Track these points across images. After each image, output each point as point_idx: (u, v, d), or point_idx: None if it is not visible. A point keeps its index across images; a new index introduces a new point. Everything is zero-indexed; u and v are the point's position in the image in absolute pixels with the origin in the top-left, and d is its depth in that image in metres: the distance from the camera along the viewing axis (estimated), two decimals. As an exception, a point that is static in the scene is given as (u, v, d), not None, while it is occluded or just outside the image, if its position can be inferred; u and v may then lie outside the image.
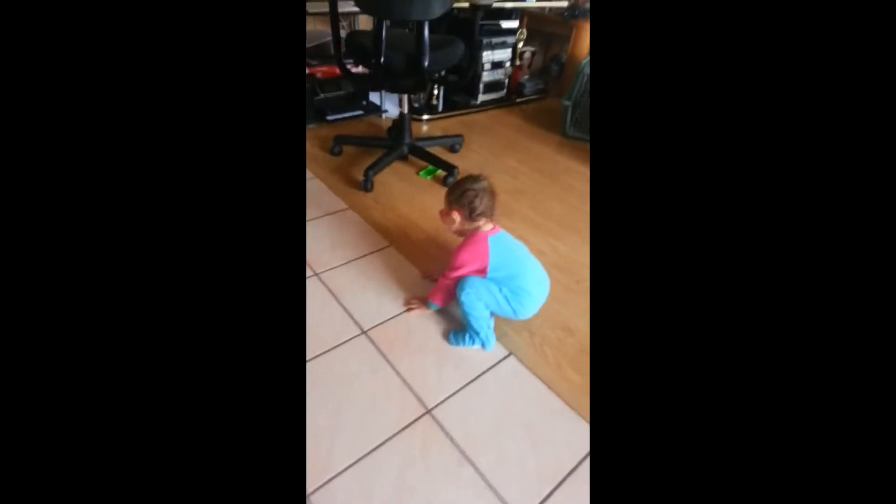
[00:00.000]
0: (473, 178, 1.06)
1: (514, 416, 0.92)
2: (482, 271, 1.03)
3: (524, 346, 1.08)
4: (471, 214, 1.04)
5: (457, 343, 1.05)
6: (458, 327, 1.08)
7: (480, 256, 1.03)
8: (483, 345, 1.05)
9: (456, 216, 1.06)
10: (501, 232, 1.08)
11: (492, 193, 1.05)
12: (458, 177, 1.73)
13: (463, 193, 1.03)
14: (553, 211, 1.63)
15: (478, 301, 1.01)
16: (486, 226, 1.07)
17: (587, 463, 0.85)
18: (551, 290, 1.11)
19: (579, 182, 1.85)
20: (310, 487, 0.77)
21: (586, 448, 0.87)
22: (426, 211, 1.56)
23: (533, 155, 2.06)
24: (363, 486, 0.78)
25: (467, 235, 1.07)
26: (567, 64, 2.77)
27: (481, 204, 1.03)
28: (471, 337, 1.05)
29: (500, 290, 1.01)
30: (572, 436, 0.89)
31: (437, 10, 1.49)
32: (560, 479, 0.82)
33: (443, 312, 1.14)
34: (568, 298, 1.23)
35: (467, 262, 1.04)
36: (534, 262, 1.08)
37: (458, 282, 1.03)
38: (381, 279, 1.24)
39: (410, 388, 0.95)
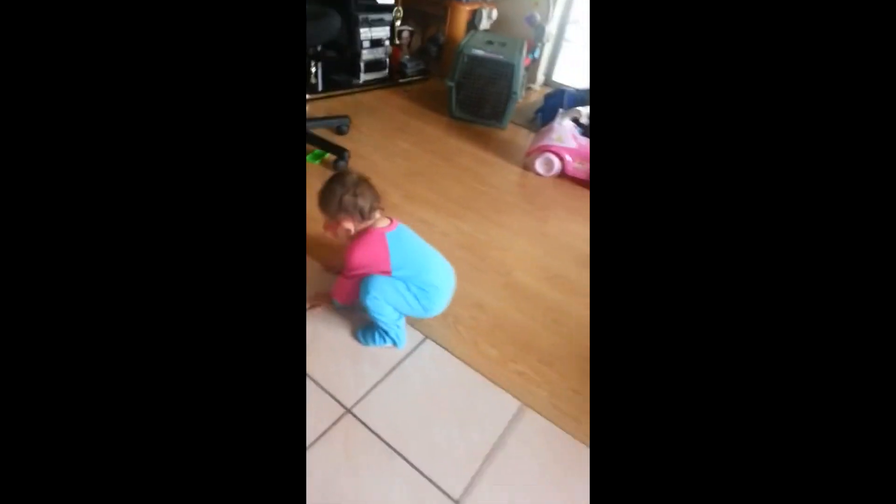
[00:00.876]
0: (339, 178, 0.97)
1: (437, 400, 0.92)
2: (385, 272, 0.96)
3: (438, 327, 1.07)
4: (363, 215, 0.95)
5: (367, 342, 1.00)
6: (366, 324, 1.03)
7: (380, 257, 0.96)
8: (395, 343, 1.00)
9: (349, 224, 0.96)
10: (399, 226, 1.01)
11: (368, 183, 0.97)
12: (349, 160, 1.66)
13: (342, 199, 0.94)
14: (452, 192, 1.65)
15: (385, 305, 0.95)
16: (381, 221, 0.99)
17: (513, 432, 0.88)
18: (460, 269, 1.12)
19: (472, 162, 1.90)
20: None
21: (509, 417, 0.91)
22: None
23: (424, 136, 2.05)
24: None
25: (360, 234, 0.98)
26: (445, 45, 2.80)
27: (366, 199, 0.95)
28: (381, 336, 1.00)
29: (409, 288, 0.96)
30: (495, 408, 0.92)
31: (309, -22, 1.37)
32: (488, 452, 0.84)
33: (350, 307, 1.08)
34: (476, 276, 1.26)
35: (364, 264, 0.96)
36: (437, 256, 1.04)
37: (362, 282, 0.95)
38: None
39: (326, 391, 0.89)
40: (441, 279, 1.01)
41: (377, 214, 0.98)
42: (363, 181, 0.97)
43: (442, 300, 1.02)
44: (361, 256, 0.96)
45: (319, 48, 1.82)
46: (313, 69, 2.14)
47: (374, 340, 1.00)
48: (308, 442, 0.79)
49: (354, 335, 1.01)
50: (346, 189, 0.94)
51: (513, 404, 0.93)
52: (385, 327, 0.97)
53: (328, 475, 0.76)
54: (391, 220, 1.01)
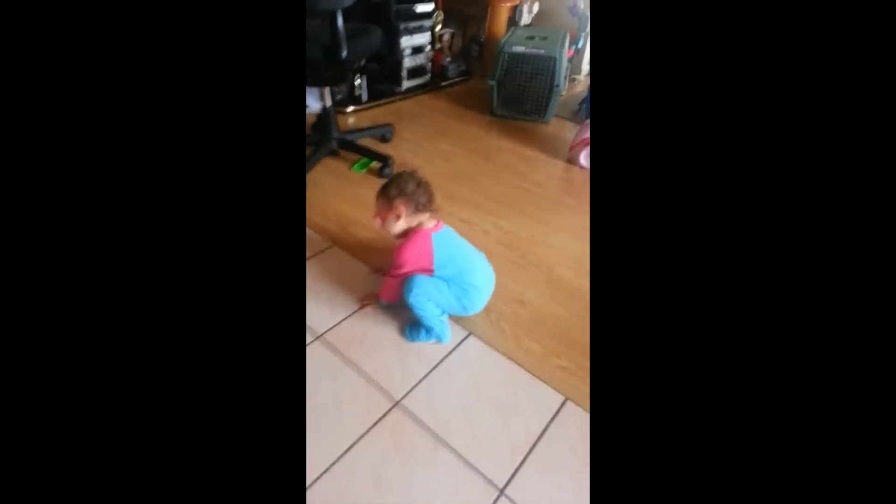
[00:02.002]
0: (406, 172, 1.03)
1: (480, 393, 0.95)
2: (428, 271, 1.02)
3: (481, 323, 1.11)
4: (416, 207, 1.01)
5: (412, 338, 1.06)
6: (412, 321, 1.09)
7: (425, 255, 1.01)
8: (439, 338, 1.05)
9: (401, 209, 1.00)
10: (445, 228, 1.06)
11: (427, 185, 1.04)
12: (393, 167, 1.74)
13: (404, 185, 1.00)
14: (492, 190, 1.67)
15: (427, 301, 1.00)
16: (428, 222, 1.04)
17: (554, 426, 0.90)
18: (500, 266, 1.15)
19: (513, 159, 1.91)
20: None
21: (552, 410, 0.92)
22: (365, 204, 1.54)
23: (465, 137, 2.09)
24: (340, 490, 0.78)
25: (409, 234, 1.04)
26: (486, 43, 2.81)
27: (423, 195, 1.01)
28: (426, 332, 1.05)
29: (450, 287, 1.01)
30: (537, 403, 0.94)
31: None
32: (531, 445, 0.86)
33: (398, 307, 1.14)
34: (516, 273, 1.28)
35: (410, 260, 1.01)
36: (479, 256, 1.10)
37: (405, 281, 1.01)
38: (330, 281, 1.22)
39: (376, 384, 0.95)
40: (482, 280, 1.05)
41: (427, 215, 1.04)
42: (425, 182, 1.04)
43: (481, 301, 1.06)
44: (407, 252, 1.01)
45: (363, 62, 1.92)
46: (357, 82, 2.25)
47: (419, 336, 1.05)
48: (359, 433, 0.86)
49: (401, 332, 1.08)
50: (411, 179, 1.02)
51: (555, 398, 0.95)
52: (429, 323, 1.03)
53: (378, 463, 0.82)
54: (437, 222, 1.06)
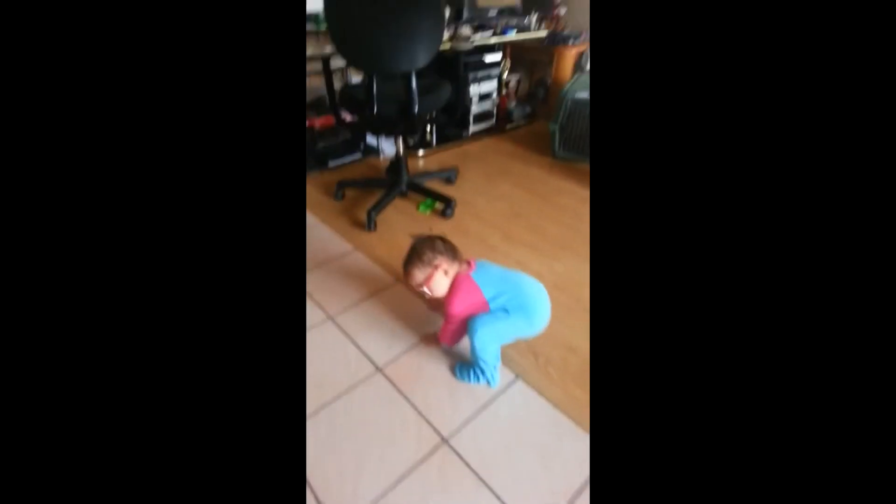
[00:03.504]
0: (418, 239, 1.10)
1: (524, 438, 0.96)
2: (484, 307, 1.05)
3: (529, 368, 1.12)
4: (453, 257, 1.07)
5: (462, 378, 1.09)
6: (464, 360, 1.13)
7: (473, 295, 1.04)
8: (488, 382, 1.07)
9: (443, 264, 1.06)
10: (478, 262, 1.10)
11: (447, 239, 1.10)
12: (455, 208, 1.82)
13: (432, 246, 1.07)
14: (549, 231, 1.69)
15: (491, 344, 1.03)
16: (462, 266, 1.09)
17: (597, 478, 0.88)
18: (553, 310, 1.15)
19: (572, 201, 1.91)
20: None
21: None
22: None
23: (526, 178, 2.13)
24: (389, 518, 0.83)
25: (451, 286, 1.07)
26: (551, 87, 2.86)
27: (451, 247, 1.08)
28: (475, 374, 1.07)
29: (509, 311, 1.02)
30: (581, 452, 0.93)
31: (422, 61, 1.59)
32: (571, 494, 0.85)
33: (454, 346, 1.19)
34: (569, 318, 1.28)
35: (460, 306, 1.05)
36: (523, 275, 1.11)
37: (469, 322, 1.04)
38: (392, 316, 1.30)
39: (426, 420, 1.00)
40: (535, 291, 1.07)
41: (459, 263, 1.09)
42: (438, 238, 1.10)
43: (543, 311, 1.06)
44: (459, 303, 1.05)
45: (434, 113, 2.06)
46: (428, 128, 2.40)
47: (468, 377, 1.08)
48: (410, 465, 0.91)
49: (452, 370, 1.12)
50: (431, 241, 1.08)
51: (600, 451, 0.93)
52: (483, 366, 1.05)
53: (425, 496, 0.86)
54: (469, 263, 1.10)
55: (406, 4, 1.52)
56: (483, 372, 1.06)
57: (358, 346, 1.20)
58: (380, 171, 2.28)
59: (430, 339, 1.20)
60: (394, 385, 1.09)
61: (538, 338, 1.18)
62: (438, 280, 1.07)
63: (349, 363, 1.15)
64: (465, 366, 1.10)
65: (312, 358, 1.16)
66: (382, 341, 1.21)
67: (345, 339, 1.23)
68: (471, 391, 1.07)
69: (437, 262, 1.06)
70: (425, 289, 1.08)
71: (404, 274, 1.10)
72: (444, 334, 1.13)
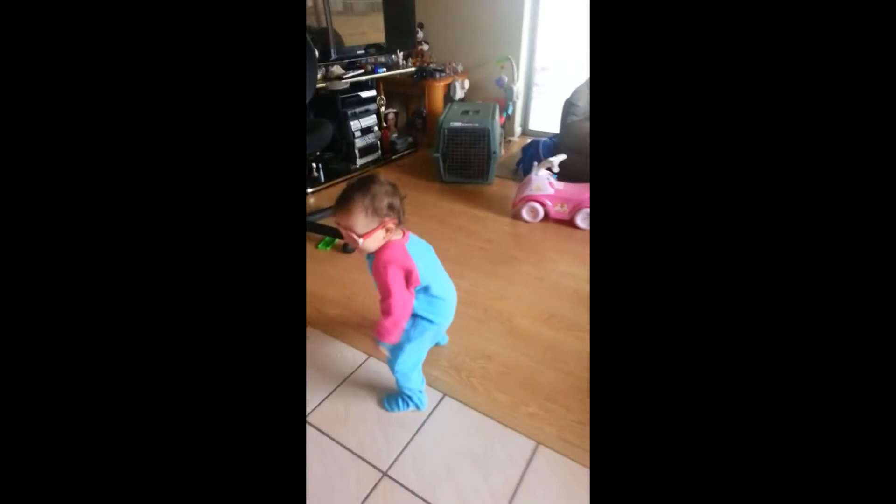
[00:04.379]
0: (375, 178, 0.88)
1: (459, 450, 0.99)
2: (414, 281, 0.91)
3: (454, 383, 1.16)
4: (399, 219, 0.89)
5: (391, 408, 1.08)
6: (390, 392, 1.12)
7: (411, 272, 0.90)
8: (417, 406, 1.08)
9: (391, 224, 0.88)
10: (411, 236, 0.96)
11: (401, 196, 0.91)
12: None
13: (392, 198, 0.87)
14: (449, 252, 1.78)
15: (413, 371, 1.02)
16: (396, 234, 0.92)
17: (531, 471, 0.95)
18: (465, 325, 1.22)
19: (465, 220, 2.04)
20: None
21: (526, 457, 0.98)
22: (334, 281, 1.60)
23: (419, 204, 2.21)
24: (341, 572, 0.79)
25: (380, 252, 0.90)
26: (427, 117, 3.03)
27: (402, 207, 0.90)
28: (404, 401, 1.08)
29: (430, 324, 0.97)
30: (512, 450, 0.99)
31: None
32: (511, 493, 0.91)
33: (375, 379, 1.18)
34: (480, 329, 1.36)
35: (396, 280, 0.89)
36: (440, 265, 1.03)
37: (390, 350, 0.99)
38: (309, 362, 1.24)
39: (362, 458, 0.97)
40: (447, 290, 1.03)
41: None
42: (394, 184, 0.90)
43: (450, 312, 1.04)
44: (396, 277, 0.89)
45: (318, 153, 2.03)
46: (315, 166, 2.36)
47: (398, 406, 1.08)
48: (353, 508, 0.88)
49: (380, 403, 1.11)
50: (391, 190, 0.88)
51: (528, 445, 1.00)
52: (409, 393, 1.06)
53: (374, 536, 0.83)
54: (404, 231, 0.95)
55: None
56: (410, 398, 1.07)
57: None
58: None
59: (375, 350, 1.05)
60: (323, 432, 1.04)
61: (458, 352, 1.24)
62: (377, 237, 0.88)
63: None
64: (392, 396, 1.10)
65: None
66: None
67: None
68: (401, 419, 1.07)
69: (388, 218, 0.88)
70: (356, 238, 0.87)
71: (343, 209, 0.86)
72: (383, 329, 0.92)
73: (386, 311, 0.91)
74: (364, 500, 0.89)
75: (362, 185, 0.87)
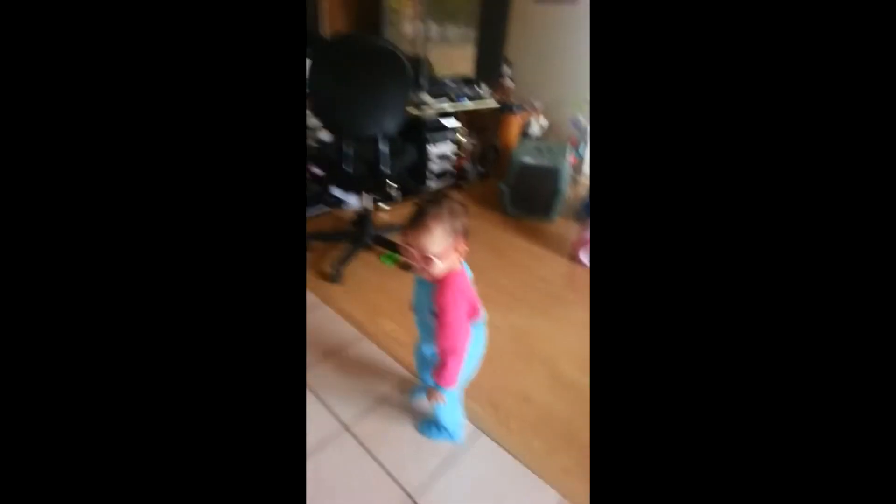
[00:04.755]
0: (446, 195, 0.82)
1: (489, 492, 1.00)
2: (474, 314, 0.87)
3: (490, 421, 1.17)
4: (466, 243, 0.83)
5: (427, 434, 1.11)
6: (428, 418, 1.14)
7: (470, 293, 0.86)
8: (451, 437, 1.09)
9: (461, 246, 0.82)
10: (464, 263, 0.88)
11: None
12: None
13: (464, 220, 0.81)
14: (505, 286, 1.80)
15: (454, 412, 1.03)
16: (457, 262, 0.84)
17: (554, 526, 0.93)
18: (509, 363, 1.22)
19: (525, 257, 2.05)
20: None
21: (552, 512, 0.96)
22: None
23: (482, 233, 2.26)
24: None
25: (447, 280, 0.81)
26: (501, 150, 3.10)
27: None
28: (439, 430, 1.09)
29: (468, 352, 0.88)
30: (536, 501, 0.98)
31: (391, 128, 1.71)
32: (533, 545, 0.90)
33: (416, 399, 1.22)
34: (524, 369, 1.36)
35: (458, 315, 0.82)
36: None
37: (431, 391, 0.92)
38: (357, 372, 1.31)
39: (393, 478, 1.01)
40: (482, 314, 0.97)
41: None
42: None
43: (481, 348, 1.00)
44: (457, 308, 0.81)
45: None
46: (394, 186, 2.50)
47: (434, 433, 1.11)
48: (379, 523, 0.92)
49: (416, 426, 1.14)
50: (463, 210, 0.82)
51: (554, 498, 0.99)
52: (447, 426, 1.07)
53: (394, 555, 0.86)
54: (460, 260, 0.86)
55: (376, 77, 1.65)
56: (447, 429, 1.09)
57: (324, 403, 1.20)
58: (344, 222, 2.32)
59: (433, 394, 0.92)
60: (361, 444, 1.09)
61: (496, 389, 1.25)
62: (450, 259, 0.80)
63: (316, 420, 1.14)
64: (429, 422, 1.13)
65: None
66: (350, 398, 1.22)
67: (310, 395, 1.22)
68: (436, 447, 1.10)
69: (458, 242, 0.80)
70: (431, 257, 0.77)
71: (420, 225, 0.77)
72: (450, 374, 0.84)
73: (450, 350, 0.83)
74: (390, 518, 0.93)
75: (439, 203, 0.79)
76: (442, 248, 0.78)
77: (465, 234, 0.83)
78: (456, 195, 2.59)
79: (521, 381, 1.31)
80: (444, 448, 1.09)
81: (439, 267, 0.79)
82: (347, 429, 1.13)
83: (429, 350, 0.96)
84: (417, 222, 0.78)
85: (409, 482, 1.00)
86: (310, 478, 0.99)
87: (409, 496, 0.98)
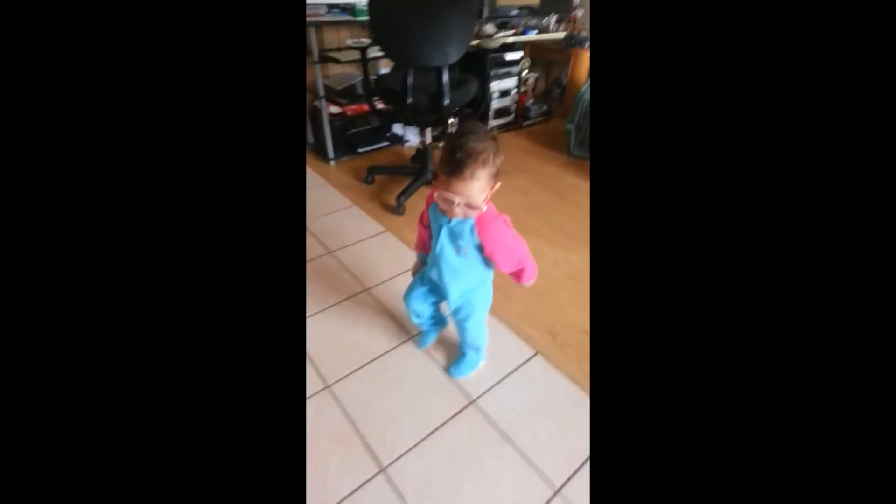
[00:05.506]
0: (478, 127, 0.75)
1: (544, 406, 1.05)
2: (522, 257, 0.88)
3: (547, 346, 1.21)
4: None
5: (462, 374, 1.09)
6: (454, 359, 1.13)
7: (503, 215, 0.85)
8: (478, 360, 1.10)
9: (497, 185, 0.77)
10: None
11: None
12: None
13: (497, 156, 0.73)
14: (564, 226, 1.76)
15: (482, 328, 1.02)
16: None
17: (608, 442, 0.97)
18: (567, 298, 1.22)
19: (586, 199, 1.98)
20: (385, 462, 0.91)
21: (606, 430, 0.99)
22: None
23: (542, 174, 2.19)
24: (425, 463, 0.92)
25: (485, 216, 0.79)
26: (567, 87, 2.91)
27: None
28: (469, 363, 1.09)
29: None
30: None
31: (454, 57, 1.65)
32: (586, 457, 0.94)
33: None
34: (581, 304, 1.36)
35: (510, 231, 0.84)
36: None
37: (461, 308, 0.97)
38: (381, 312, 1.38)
39: (455, 383, 1.09)
40: None
41: None
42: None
43: None
44: (507, 228, 0.83)
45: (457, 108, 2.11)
46: (451, 121, 2.45)
47: (468, 370, 1.10)
48: (443, 420, 1.00)
49: (447, 372, 1.12)
50: (497, 146, 0.74)
51: (610, 420, 1.02)
52: (480, 346, 1.06)
53: (454, 449, 0.95)
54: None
55: (441, 3, 1.58)
56: (479, 348, 1.08)
57: (392, 317, 1.28)
58: (404, 158, 2.34)
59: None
60: (425, 352, 1.17)
61: (556, 321, 1.27)
62: (484, 199, 0.76)
63: (385, 331, 1.23)
64: (458, 362, 1.10)
65: (358, 326, 1.25)
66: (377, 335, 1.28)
67: (382, 308, 1.31)
68: (495, 361, 1.15)
69: (495, 182, 0.76)
70: (466, 206, 0.74)
71: (462, 175, 0.70)
72: (526, 272, 0.89)
73: (524, 259, 0.87)
74: (449, 419, 1.01)
75: (477, 143, 0.70)
76: (486, 194, 0.75)
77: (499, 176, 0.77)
78: (513, 139, 2.53)
79: (578, 316, 1.31)
80: (503, 361, 1.14)
81: (473, 210, 0.75)
82: (413, 338, 1.21)
83: (438, 296, 0.98)
84: (459, 170, 0.70)
85: (469, 388, 1.07)
86: (380, 373, 1.09)
87: (468, 397, 1.05)
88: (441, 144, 2.45)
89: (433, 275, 0.95)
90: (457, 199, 0.73)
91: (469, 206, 0.74)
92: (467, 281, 0.92)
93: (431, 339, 1.19)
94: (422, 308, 1.07)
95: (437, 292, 1.02)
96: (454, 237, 0.85)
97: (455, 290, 0.93)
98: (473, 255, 0.86)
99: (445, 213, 0.79)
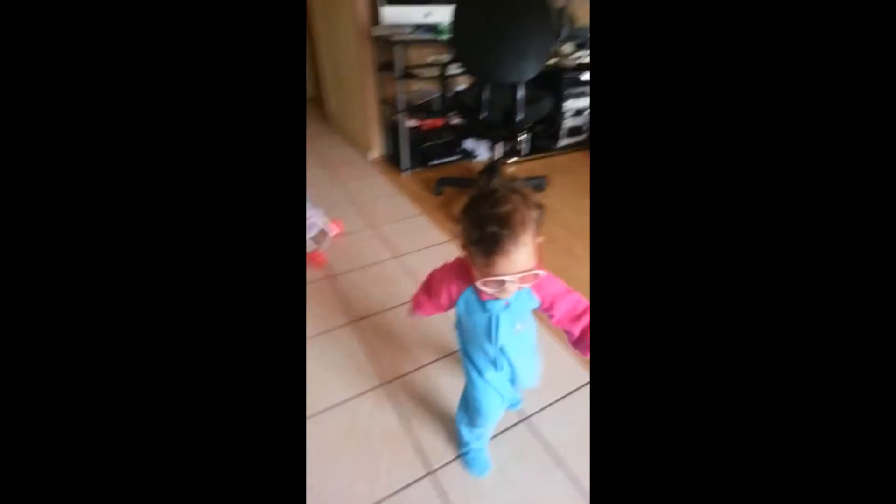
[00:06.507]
0: (505, 185, 0.64)
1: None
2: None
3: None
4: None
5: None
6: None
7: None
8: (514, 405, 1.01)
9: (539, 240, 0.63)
10: None
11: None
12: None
13: (527, 209, 0.61)
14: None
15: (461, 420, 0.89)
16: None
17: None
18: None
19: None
20: (435, 465, 0.91)
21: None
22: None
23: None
24: (470, 478, 0.90)
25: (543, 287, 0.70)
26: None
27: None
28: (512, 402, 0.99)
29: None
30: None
31: (530, 74, 1.66)
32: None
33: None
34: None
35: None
36: None
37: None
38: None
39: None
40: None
41: None
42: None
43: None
44: (559, 281, 0.71)
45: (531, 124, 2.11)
46: (522, 137, 2.45)
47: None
48: (494, 433, 0.98)
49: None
50: (522, 197, 0.62)
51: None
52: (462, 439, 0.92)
53: (505, 463, 0.92)
54: None
55: (520, 22, 1.60)
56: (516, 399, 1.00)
57: (449, 322, 1.29)
58: (473, 173, 2.37)
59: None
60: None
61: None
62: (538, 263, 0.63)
63: (442, 335, 1.24)
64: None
65: (416, 330, 1.27)
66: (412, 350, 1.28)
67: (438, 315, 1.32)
68: (550, 382, 1.11)
69: (535, 234, 0.62)
70: (531, 278, 0.62)
71: (505, 251, 0.58)
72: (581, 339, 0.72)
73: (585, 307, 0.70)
74: (500, 433, 0.98)
75: (505, 201, 0.59)
76: (535, 254, 0.61)
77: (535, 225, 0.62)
78: (583, 159, 2.44)
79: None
80: (561, 381, 1.10)
81: (540, 275, 0.63)
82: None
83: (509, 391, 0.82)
84: (499, 246, 0.58)
85: (524, 405, 1.04)
86: (426, 382, 1.10)
87: (522, 417, 1.02)
88: (509, 161, 2.46)
89: (500, 371, 0.78)
90: (509, 279, 0.61)
91: (524, 279, 0.62)
92: (531, 345, 0.80)
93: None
94: (500, 413, 0.88)
95: (507, 387, 0.83)
96: (513, 319, 0.71)
97: (530, 366, 0.81)
98: (529, 321, 0.75)
99: (497, 297, 0.66)
